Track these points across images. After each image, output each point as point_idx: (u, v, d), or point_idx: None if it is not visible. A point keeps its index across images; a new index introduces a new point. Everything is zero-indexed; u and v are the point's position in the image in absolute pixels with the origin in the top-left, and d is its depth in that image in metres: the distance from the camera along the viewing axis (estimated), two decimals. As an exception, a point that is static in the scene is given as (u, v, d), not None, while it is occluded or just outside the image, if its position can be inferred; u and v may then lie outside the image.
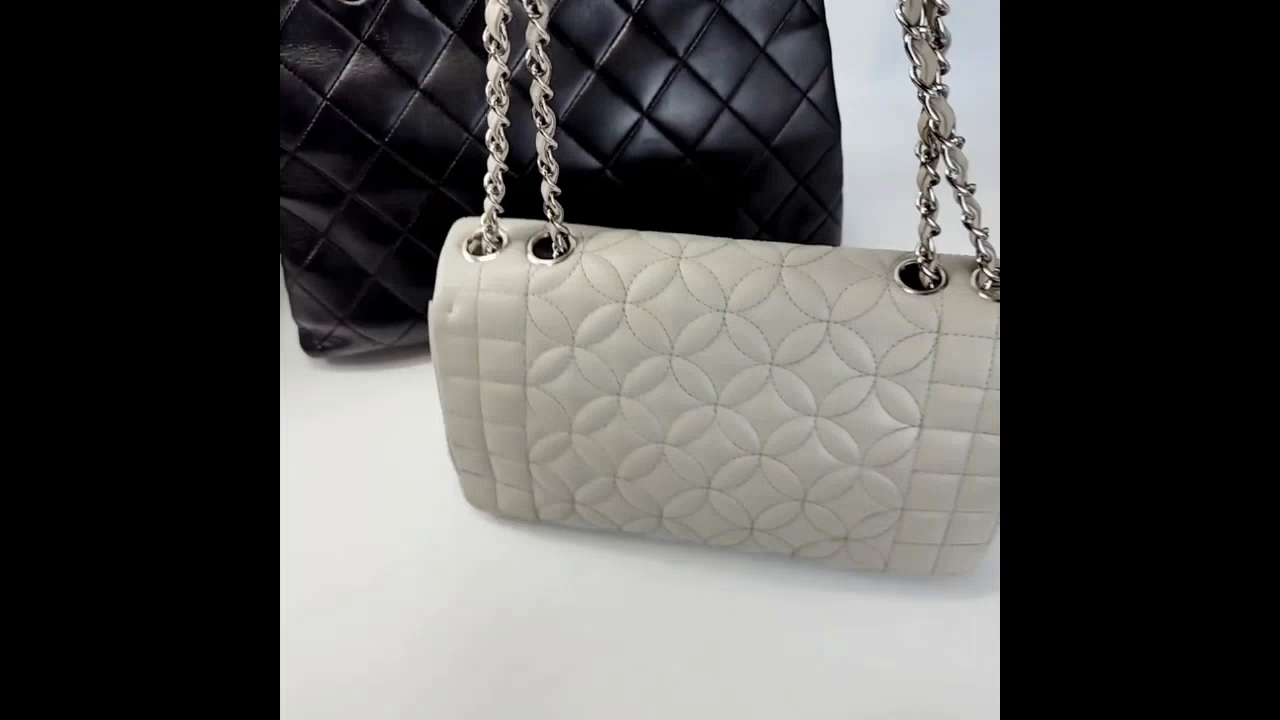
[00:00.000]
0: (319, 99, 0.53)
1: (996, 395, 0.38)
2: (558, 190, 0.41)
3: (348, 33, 0.52)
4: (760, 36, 0.56)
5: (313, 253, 0.58)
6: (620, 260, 0.41)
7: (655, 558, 0.50)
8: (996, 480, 0.40)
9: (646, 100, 0.56)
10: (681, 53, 0.55)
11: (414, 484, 0.54)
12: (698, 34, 0.55)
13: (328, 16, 0.52)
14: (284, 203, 0.57)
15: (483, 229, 0.43)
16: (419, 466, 0.55)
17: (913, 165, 0.37)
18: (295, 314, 0.62)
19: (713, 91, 0.56)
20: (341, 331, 0.61)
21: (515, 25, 0.38)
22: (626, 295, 0.41)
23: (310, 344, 0.63)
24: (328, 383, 0.63)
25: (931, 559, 0.44)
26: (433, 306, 0.43)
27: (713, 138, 0.57)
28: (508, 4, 0.38)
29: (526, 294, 0.42)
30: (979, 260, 0.38)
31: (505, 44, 0.38)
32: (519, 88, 0.47)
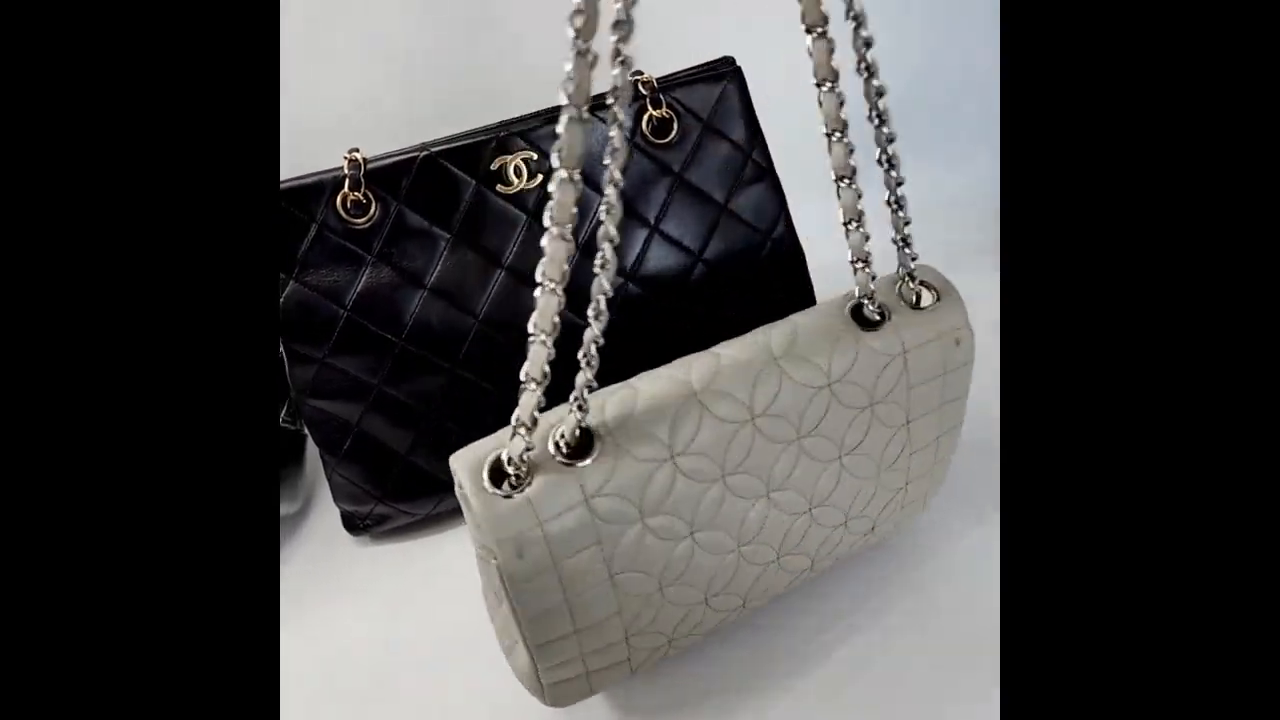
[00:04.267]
0: (341, 311, 0.60)
1: (952, 375, 0.49)
2: (594, 384, 0.39)
3: (360, 251, 0.59)
4: (720, 196, 0.63)
5: (347, 443, 0.64)
6: (648, 419, 0.42)
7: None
8: (957, 433, 0.52)
9: (628, 265, 0.62)
10: (653, 221, 0.62)
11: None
12: (665, 203, 0.62)
13: (341, 240, 0.59)
14: (317, 402, 0.62)
15: (503, 453, 0.40)
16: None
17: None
18: (337, 499, 0.67)
19: (685, 249, 0.63)
20: (380, 509, 0.66)
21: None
22: (673, 450, 0.42)
23: (353, 524, 0.68)
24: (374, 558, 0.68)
25: (905, 512, 0.54)
26: (502, 562, 0.40)
27: (693, 282, 0.64)
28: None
29: (586, 500, 0.40)
30: (900, 275, 0.48)
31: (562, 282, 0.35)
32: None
